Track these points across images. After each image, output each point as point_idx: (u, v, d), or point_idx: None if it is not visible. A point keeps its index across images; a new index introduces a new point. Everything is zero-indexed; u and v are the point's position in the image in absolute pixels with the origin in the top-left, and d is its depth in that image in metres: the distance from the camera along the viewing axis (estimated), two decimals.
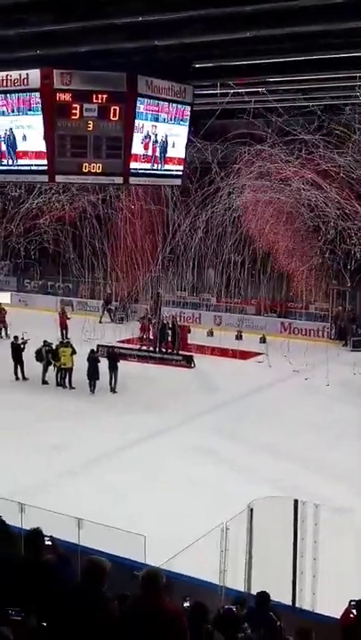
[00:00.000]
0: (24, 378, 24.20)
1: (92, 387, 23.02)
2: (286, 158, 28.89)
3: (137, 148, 15.88)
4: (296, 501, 10.33)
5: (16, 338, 24.85)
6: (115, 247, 31.78)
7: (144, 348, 28.40)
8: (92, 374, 22.97)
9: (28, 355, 24.05)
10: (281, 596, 9.34)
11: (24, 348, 24.19)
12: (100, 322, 32.71)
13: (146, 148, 16.20)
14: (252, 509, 10.44)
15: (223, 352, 28.34)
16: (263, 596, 8.34)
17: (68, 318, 30.52)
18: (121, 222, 31.40)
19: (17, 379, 24.16)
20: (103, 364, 23.27)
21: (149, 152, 16.42)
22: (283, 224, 29.92)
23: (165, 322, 29.17)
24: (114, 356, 23.90)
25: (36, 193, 33.09)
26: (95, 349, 24.75)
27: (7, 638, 5.30)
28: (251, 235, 30.25)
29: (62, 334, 28.35)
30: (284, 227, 29.95)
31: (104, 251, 32.17)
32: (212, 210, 30.19)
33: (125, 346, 28.05)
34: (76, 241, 33.49)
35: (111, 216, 32.03)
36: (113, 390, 23.19)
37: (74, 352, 23.56)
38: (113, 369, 23.29)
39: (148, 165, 16.40)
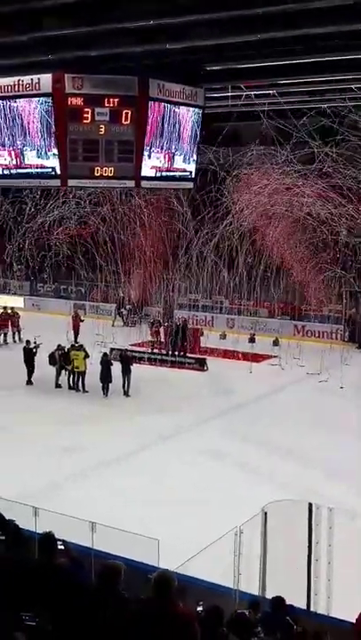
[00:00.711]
0: (30, 382, 24.24)
1: (105, 390, 23.04)
2: (299, 169, 28.97)
3: (149, 151, 15.91)
4: (310, 505, 10.28)
5: (28, 342, 24.93)
6: (126, 258, 32.51)
7: (156, 351, 28.39)
8: (105, 377, 23.00)
9: (41, 359, 24.06)
10: (296, 599, 9.27)
11: (36, 352, 24.25)
12: (113, 325, 32.80)
13: (158, 151, 16.22)
14: (266, 513, 10.39)
15: (236, 355, 28.28)
16: (278, 600, 8.28)
17: (82, 320, 30.59)
18: (131, 240, 32.12)
19: (29, 382, 24.22)
20: (116, 367, 23.28)
21: (161, 155, 16.46)
22: (294, 238, 30.05)
23: (178, 324, 29.22)
24: (127, 359, 23.92)
25: (51, 207, 33.53)
26: (108, 353, 24.82)
27: None
28: (264, 247, 30.39)
29: (75, 338, 28.40)
30: (295, 240, 30.08)
31: (116, 260, 32.67)
32: (225, 227, 30.40)
33: (138, 349, 28.07)
34: (89, 254, 33.99)
35: (123, 233, 32.49)
36: (126, 394, 23.20)
37: (87, 355, 23.61)
38: (126, 372, 23.30)
39: (160, 167, 16.40)
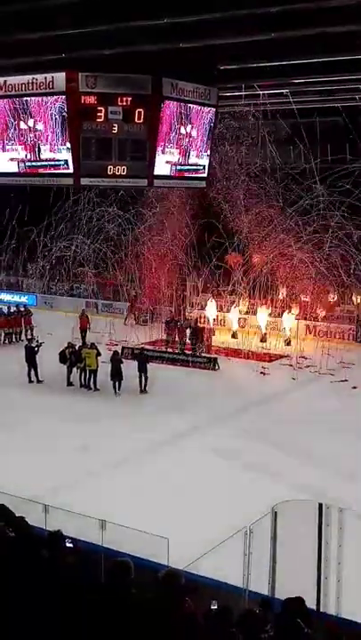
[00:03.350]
0: (38, 380, 24.23)
1: (118, 387, 23.06)
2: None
3: (161, 149, 15.94)
4: (321, 505, 10.24)
5: (30, 340, 25.10)
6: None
7: (170, 350, 28.40)
8: (116, 375, 23.03)
9: (50, 357, 24.07)
10: (305, 600, 9.24)
11: (38, 350, 24.30)
12: (125, 323, 32.87)
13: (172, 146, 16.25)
14: (276, 513, 10.37)
15: (247, 354, 28.23)
16: (289, 602, 8.25)
17: (83, 317, 30.62)
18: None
19: (30, 381, 24.19)
20: (127, 365, 23.32)
21: (175, 154, 16.49)
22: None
23: (191, 323, 29.25)
24: (143, 357, 23.95)
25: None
26: (119, 351, 24.90)
27: None
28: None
29: (82, 337, 28.49)
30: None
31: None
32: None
33: (149, 347, 28.05)
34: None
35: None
36: (144, 391, 23.25)
37: (99, 354, 23.65)
38: (143, 370, 23.35)
39: (175, 159, 16.43)
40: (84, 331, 29.59)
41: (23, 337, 30.40)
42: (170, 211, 33.97)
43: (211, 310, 31.36)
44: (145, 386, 23.35)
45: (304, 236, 30.53)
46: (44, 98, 14.60)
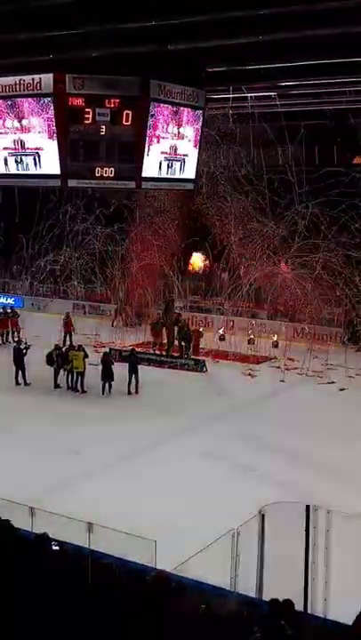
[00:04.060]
0: (25, 383, 24.12)
1: (108, 388, 23.00)
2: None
3: (149, 151, 15.92)
4: (308, 507, 10.24)
5: (18, 342, 25.01)
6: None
7: (157, 352, 28.39)
8: (106, 376, 22.97)
9: (36, 359, 23.99)
10: (293, 601, 9.24)
11: (26, 352, 24.20)
12: (113, 325, 32.79)
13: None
14: (263, 515, 10.36)
15: (235, 356, 28.25)
16: (273, 603, 8.26)
17: (68, 321, 30.51)
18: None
19: (17, 383, 24.08)
20: (118, 367, 23.28)
21: (163, 156, 16.48)
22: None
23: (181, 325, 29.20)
24: (134, 359, 23.91)
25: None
26: (108, 351, 24.86)
27: None
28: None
29: (64, 340, 28.43)
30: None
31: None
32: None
33: (138, 350, 27.98)
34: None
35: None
36: (136, 391, 23.22)
37: (86, 356, 23.60)
38: (134, 372, 23.31)
39: (162, 165, 16.40)
40: (68, 333, 29.54)
41: (10, 339, 30.29)
42: (158, 225, 33.78)
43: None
44: (136, 387, 23.31)
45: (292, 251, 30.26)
46: (33, 98, 14.57)
